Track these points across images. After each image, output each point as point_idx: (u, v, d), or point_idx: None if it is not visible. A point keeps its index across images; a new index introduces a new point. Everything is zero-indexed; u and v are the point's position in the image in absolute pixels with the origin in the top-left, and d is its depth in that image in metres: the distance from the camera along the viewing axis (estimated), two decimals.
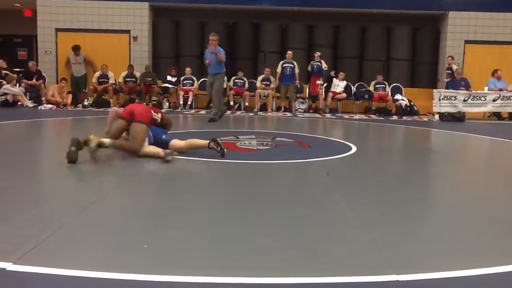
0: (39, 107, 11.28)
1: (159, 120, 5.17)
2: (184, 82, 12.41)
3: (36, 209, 3.02)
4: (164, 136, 5.13)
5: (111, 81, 12.30)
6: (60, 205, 3.21)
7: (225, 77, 9.80)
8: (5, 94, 11.38)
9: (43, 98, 11.83)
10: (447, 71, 12.38)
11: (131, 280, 2.03)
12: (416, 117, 11.78)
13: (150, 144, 4.99)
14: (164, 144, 5.09)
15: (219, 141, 5.01)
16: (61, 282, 2.01)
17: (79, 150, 4.41)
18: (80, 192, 3.66)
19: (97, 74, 12.38)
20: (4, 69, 11.95)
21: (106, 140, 4.51)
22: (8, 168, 4.38)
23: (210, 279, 2.05)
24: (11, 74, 11.85)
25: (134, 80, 12.41)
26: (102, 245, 2.45)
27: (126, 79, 12.40)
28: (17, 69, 12.75)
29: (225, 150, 4.97)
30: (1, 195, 3.39)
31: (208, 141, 5.02)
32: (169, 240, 2.56)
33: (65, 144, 4.84)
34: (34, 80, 12.05)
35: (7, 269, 2.07)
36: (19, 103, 11.44)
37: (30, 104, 11.48)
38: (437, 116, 11.33)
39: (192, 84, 12.35)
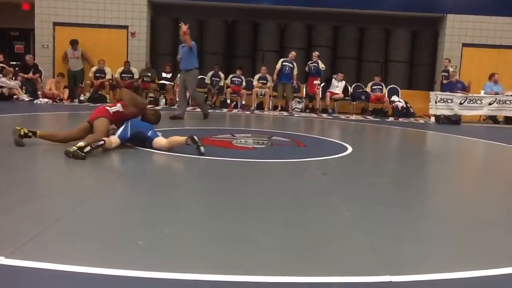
0: (35, 101, 11.24)
1: (121, 110, 5.07)
2: None
3: (30, 204, 3.00)
4: (150, 133, 5.07)
5: (108, 76, 12.27)
6: (54, 200, 3.19)
7: (198, 73, 9.14)
8: (1, 87, 11.34)
9: (39, 92, 11.79)
10: (444, 73, 12.42)
11: (124, 276, 2.02)
12: (412, 119, 11.82)
13: (128, 138, 5.00)
14: (148, 141, 5.07)
15: (197, 139, 4.82)
16: (54, 277, 2.00)
17: (21, 138, 4.79)
18: (75, 187, 3.64)
19: (94, 69, 12.36)
20: (1, 62, 11.91)
21: (82, 143, 4.45)
22: (3, 162, 4.36)
23: (205, 277, 2.04)
24: (7, 67, 11.81)
25: (131, 76, 12.38)
26: (96, 240, 2.44)
27: (122, 75, 12.37)
28: (14, 63, 12.70)
29: (202, 148, 4.80)
30: None
31: (186, 137, 4.90)
32: (163, 237, 2.54)
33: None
34: (30, 74, 12.01)
35: None
36: (15, 96, 11.40)
37: (26, 98, 11.44)
38: (433, 118, 11.36)
39: None
